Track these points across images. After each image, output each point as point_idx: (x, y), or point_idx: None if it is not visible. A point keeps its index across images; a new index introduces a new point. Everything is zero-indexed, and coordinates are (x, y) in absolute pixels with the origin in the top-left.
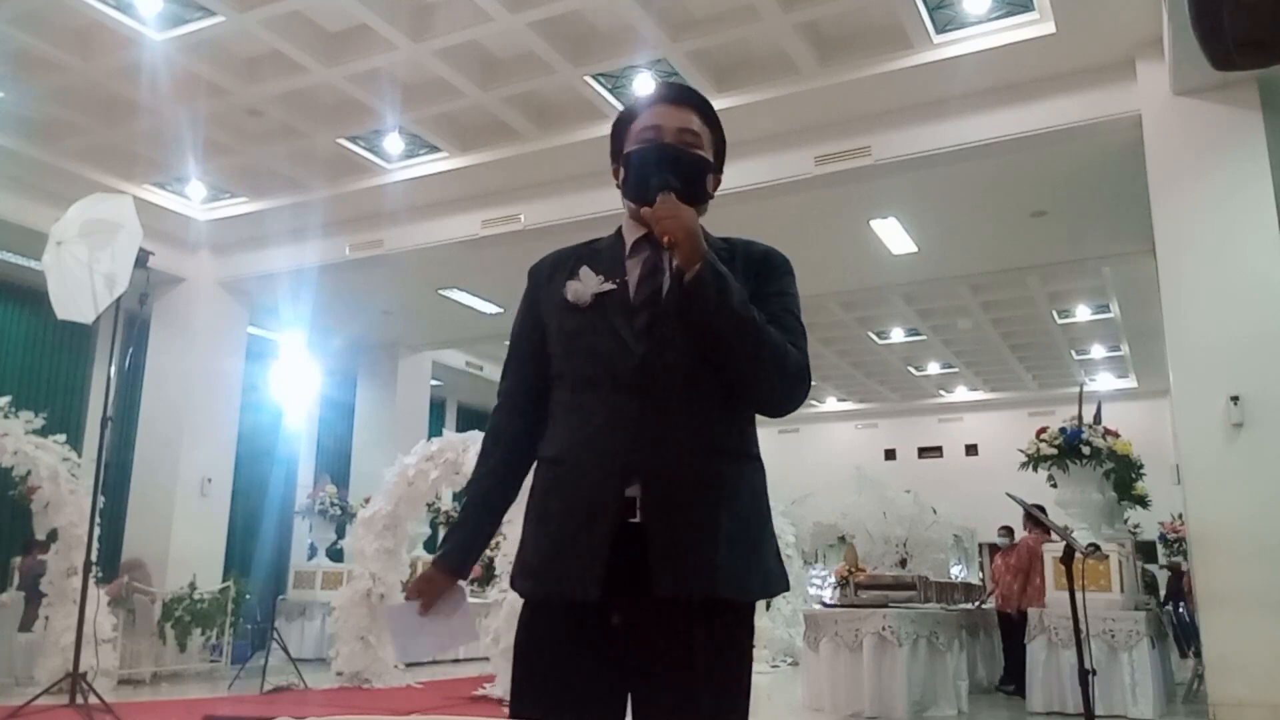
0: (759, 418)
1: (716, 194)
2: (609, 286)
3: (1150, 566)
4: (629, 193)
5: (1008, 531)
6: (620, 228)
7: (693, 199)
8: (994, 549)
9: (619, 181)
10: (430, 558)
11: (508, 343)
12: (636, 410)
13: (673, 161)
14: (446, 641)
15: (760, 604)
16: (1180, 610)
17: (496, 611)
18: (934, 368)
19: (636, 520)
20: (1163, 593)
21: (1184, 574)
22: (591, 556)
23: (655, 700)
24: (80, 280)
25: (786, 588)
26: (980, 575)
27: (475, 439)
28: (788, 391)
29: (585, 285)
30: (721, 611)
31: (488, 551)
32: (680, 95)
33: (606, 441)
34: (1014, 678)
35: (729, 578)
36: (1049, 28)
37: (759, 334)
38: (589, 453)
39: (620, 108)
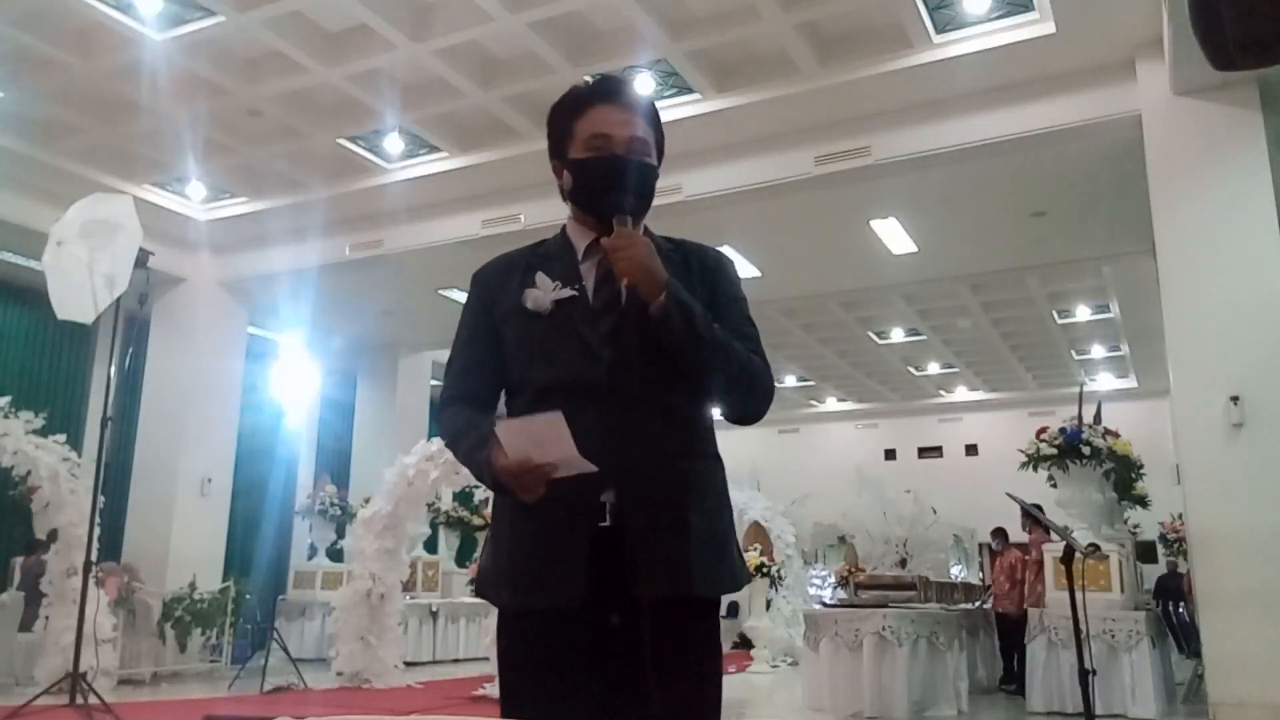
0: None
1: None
2: (568, 293)
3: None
4: (581, 203)
5: (999, 534)
6: (565, 229)
7: (645, 209)
8: (993, 550)
9: (561, 183)
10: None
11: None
12: (605, 416)
13: (627, 178)
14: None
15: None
16: (1180, 610)
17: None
18: (934, 368)
19: (607, 524)
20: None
21: (1180, 574)
22: (572, 564)
23: (640, 699)
24: (80, 280)
25: (748, 580)
26: (980, 575)
27: None
28: (756, 407)
29: (544, 292)
30: (696, 608)
31: None
32: (626, 97)
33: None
34: (1013, 678)
35: (703, 575)
36: (1049, 28)
37: (727, 355)
38: None
39: None
